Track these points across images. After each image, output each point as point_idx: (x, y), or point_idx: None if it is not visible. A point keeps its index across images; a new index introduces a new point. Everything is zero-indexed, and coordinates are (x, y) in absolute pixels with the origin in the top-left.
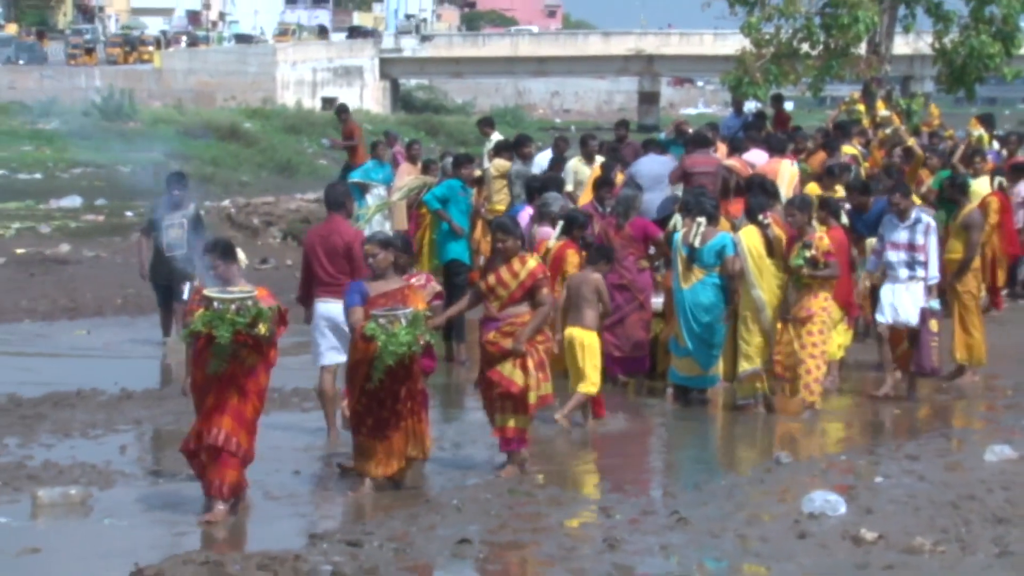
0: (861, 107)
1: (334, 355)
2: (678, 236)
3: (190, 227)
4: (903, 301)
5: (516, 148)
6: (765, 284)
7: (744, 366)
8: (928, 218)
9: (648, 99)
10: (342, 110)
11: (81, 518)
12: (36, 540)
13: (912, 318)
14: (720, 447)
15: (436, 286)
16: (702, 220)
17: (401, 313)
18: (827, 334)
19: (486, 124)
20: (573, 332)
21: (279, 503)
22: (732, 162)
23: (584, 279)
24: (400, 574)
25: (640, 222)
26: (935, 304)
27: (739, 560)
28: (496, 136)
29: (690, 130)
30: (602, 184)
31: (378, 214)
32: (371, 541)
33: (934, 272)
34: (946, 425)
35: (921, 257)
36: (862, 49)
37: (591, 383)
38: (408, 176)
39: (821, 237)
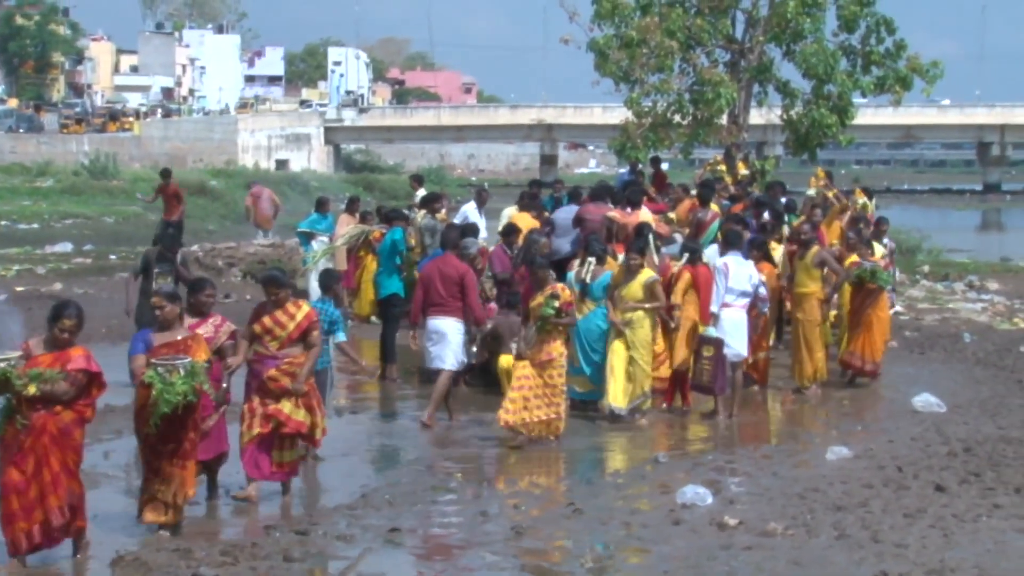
0: (723, 168)
1: (438, 362)
2: (571, 275)
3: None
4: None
5: (427, 205)
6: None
7: (645, 387)
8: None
9: (548, 160)
10: (166, 173)
11: None
12: None
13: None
14: (609, 449)
15: (231, 326)
16: (592, 260)
17: (180, 363)
18: (562, 375)
19: (415, 180)
20: None
21: (238, 500)
22: (613, 213)
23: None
24: (341, 558)
25: None
26: (711, 331)
27: (624, 543)
28: (422, 191)
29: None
30: (509, 231)
31: (323, 257)
32: (316, 530)
33: (713, 306)
34: (795, 430)
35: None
36: (724, 120)
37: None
38: (348, 226)
39: (563, 288)
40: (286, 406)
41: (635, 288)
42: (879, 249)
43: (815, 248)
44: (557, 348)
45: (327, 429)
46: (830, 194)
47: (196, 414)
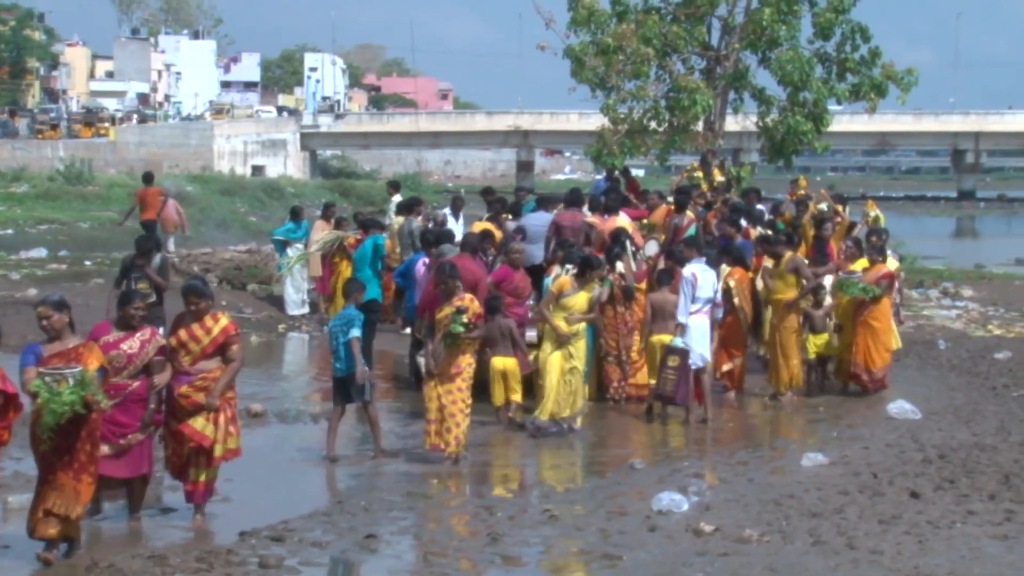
0: (700, 174)
1: None
2: (549, 280)
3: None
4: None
5: (408, 209)
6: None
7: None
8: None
9: (525, 167)
10: (149, 177)
11: None
12: (7, 539)
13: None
14: (586, 455)
15: (161, 340)
16: (571, 267)
17: (69, 372)
18: (469, 388)
19: (392, 186)
20: (661, 338)
21: (212, 505)
22: (592, 219)
23: (665, 298)
24: (318, 564)
25: (501, 269)
26: (677, 341)
27: (600, 549)
28: (398, 197)
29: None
30: (484, 237)
31: (297, 263)
32: (292, 537)
33: (680, 316)
34: (771, 436)
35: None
36: (700, 126)
37: None
38: (323, 232)
39: (472, 299)
40: (198, 422)
41: (581, 299)
42: (893, 261)
43: (788, 255)
44: (467, 360)
45: (239, 451)
46: (839, 207)
47: (90, 425)
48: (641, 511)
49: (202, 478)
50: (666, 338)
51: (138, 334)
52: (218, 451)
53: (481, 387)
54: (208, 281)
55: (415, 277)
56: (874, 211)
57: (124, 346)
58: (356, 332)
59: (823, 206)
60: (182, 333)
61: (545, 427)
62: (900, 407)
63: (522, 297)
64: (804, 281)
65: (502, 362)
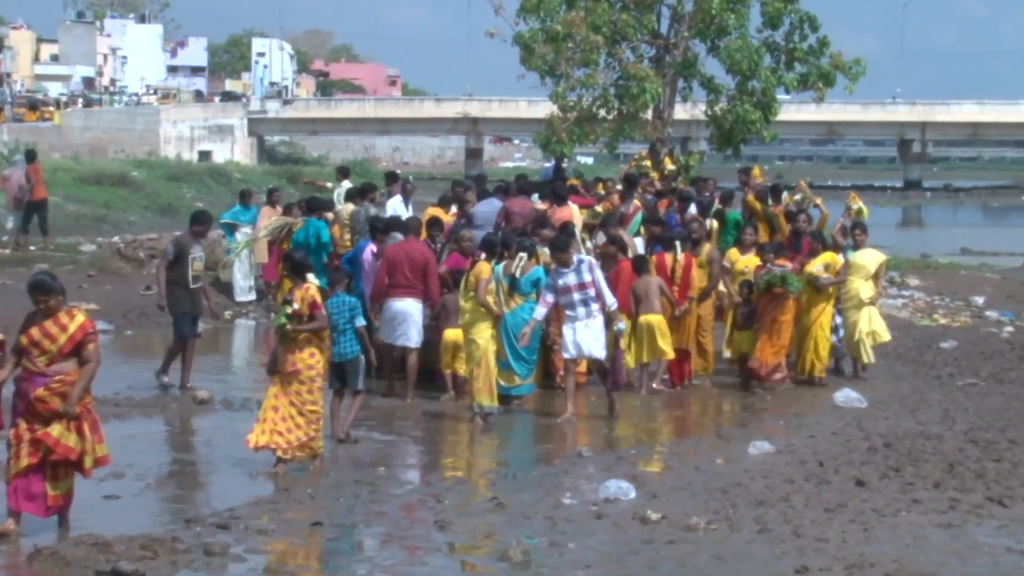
0: (648, 163)
1: (402, 339)
2: (499, 268)
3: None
4: (584, 337)
5: (362, 195)
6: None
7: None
8: (588, 257)
9: (474, 154)
10: (32, 155)
11: None
12: None
13: (596, 351)
14: (533, 444)
15: None
16: (523, 255)
17: None
18: (317, 390)
19: (340, 172)
20: (648, 318)
21: (157, 492)
22: (543, 206)
23: (648, 282)
24: (263, 552)
25: (452, 257)
26: (621, 325)
27: (547, 537)
28: (346, 184)
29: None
30: (432, 224)
31: (245, 249)
32: (238, 524)
33: (610, 300)
34: (717, 424)
35: (592, 292)
36: (649, 114)
37: (665, 351)
38: (271, 218)
39: (307, 288)
40: (55, 430)
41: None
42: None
43: (707, 247)
44: (303, 359)
45: (106, 458)
46: (819, 200)
47: None
48: (588, 499)
49: (61, 490)
50: (652, 318)
51: None
52: (88, 463)
53: (428, 374)
54: (56, 276)
55: (362, 264)
56: (857, 203)
57: None
58: (361, 320)
59: (798, 197)
60: (34, 332)
61: (492, 411)
62: (846, 395)
63: None
64: (710, 278)
65: (454, 334)
